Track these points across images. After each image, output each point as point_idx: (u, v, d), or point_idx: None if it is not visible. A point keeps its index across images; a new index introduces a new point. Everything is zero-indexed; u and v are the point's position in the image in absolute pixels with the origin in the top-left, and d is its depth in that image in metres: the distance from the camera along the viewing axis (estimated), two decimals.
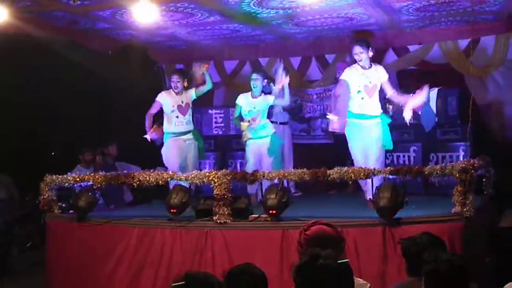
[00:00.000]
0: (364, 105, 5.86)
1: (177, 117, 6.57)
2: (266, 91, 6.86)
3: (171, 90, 6.68)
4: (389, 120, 6.08)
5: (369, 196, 5.48)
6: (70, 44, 6.98)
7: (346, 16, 6.77)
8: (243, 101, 6.70)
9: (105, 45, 7.60)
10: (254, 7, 6.20)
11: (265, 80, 6.77)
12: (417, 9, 6.51)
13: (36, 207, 6.32)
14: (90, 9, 6.08)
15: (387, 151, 6.25)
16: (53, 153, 8.66)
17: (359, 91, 5.85)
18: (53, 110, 7.60)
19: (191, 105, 6.66)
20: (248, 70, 8.18)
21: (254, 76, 6.68)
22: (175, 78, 6.62)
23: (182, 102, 6.60)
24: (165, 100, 6.60)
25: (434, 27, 7.46)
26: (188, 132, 6.64)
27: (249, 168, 6.34)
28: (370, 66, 5.89)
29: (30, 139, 7.68)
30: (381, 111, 6.01)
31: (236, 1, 5.91)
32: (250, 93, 6.68)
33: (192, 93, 6.66)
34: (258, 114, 6.53)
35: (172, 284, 2.24)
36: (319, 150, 8.20)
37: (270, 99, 6.65)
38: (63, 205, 6.21)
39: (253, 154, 6.62)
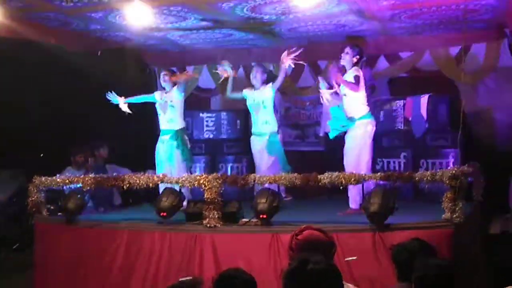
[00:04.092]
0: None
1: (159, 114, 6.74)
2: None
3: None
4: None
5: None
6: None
7: (338, 23, 6.79)
8: (248, 93, 6.76)
9: (97, 46, 7.58)
10: (247, 12, 6.20)
11: (265, 74, 6.73)
12: (409, 16, 6.55)
13: (24, 208, 6.27)
14: (82, 10, 6.05)
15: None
16: (41, 155, 8.59)
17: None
18: (43, 109, 7.54)
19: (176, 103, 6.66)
20: (241, 74, 8.17)
21: (254, 68, 6.71)
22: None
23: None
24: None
25: (426, 34, 7.50)
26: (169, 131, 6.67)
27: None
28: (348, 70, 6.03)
29: (19, 138, 7.61)
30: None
31: (230, 6, 5.91)
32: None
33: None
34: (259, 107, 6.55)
35: None
36: (312, 157, 8.23)
37: (267, 91, 6.57)
38: (52, 207, 6.15)
39: (255, 151, 6.69)
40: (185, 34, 7.32)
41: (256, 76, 6.66)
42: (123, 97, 6.66)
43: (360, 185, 5.27)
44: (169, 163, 6.59)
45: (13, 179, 7.93)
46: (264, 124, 6.55)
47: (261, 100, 6.55)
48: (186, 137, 6.78)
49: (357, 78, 5.86)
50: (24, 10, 5.95)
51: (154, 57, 8.64)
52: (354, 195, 5.82)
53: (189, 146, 6.76)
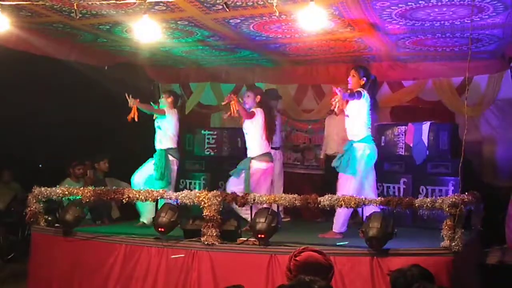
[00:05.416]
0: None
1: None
2: None
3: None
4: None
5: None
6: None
7: (343, 45, 6.83)
8: None
9: (103, 60, 7.62)
10: (253, 30, 6.24)
11: (258, 96, 6.59)
12: (413, 42, 6.59)
13: (21, 218, 6.25)
14: (90, 23, 6.09)
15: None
16: (40, 165, 8.60)
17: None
18: (45, 120, 7.56)
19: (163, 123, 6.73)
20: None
21: (246, 93, 6.64)
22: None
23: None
24: None
25: (429, 63, 7.54)
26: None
27: None
28: None
29: (19, 149, 7.63)
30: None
31: (236, 22, 5.95)
32: None
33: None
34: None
35: None
36: (312, 179, 8.24)
37: (255, 119, 6.48)
38: (49, 218, 6.13)
39: None
40: (190, 50, 7.36)
41: (248, 102, 6.54)
42: (137, 100, 6.57)
43: (346, 210, 5.38)
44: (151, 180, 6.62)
45: (8, 189, 7.95)
46: (248, 150, 6.55)
47: (244, 126, 6.54)
48: (171, 157, 6.68)
49: (358, 93, 5.83)
50: (33, 20, 5.98)
51: (159, 72, 8.68)
52: (338, 219, 5.79)
53: (169, 167, 6.62)
